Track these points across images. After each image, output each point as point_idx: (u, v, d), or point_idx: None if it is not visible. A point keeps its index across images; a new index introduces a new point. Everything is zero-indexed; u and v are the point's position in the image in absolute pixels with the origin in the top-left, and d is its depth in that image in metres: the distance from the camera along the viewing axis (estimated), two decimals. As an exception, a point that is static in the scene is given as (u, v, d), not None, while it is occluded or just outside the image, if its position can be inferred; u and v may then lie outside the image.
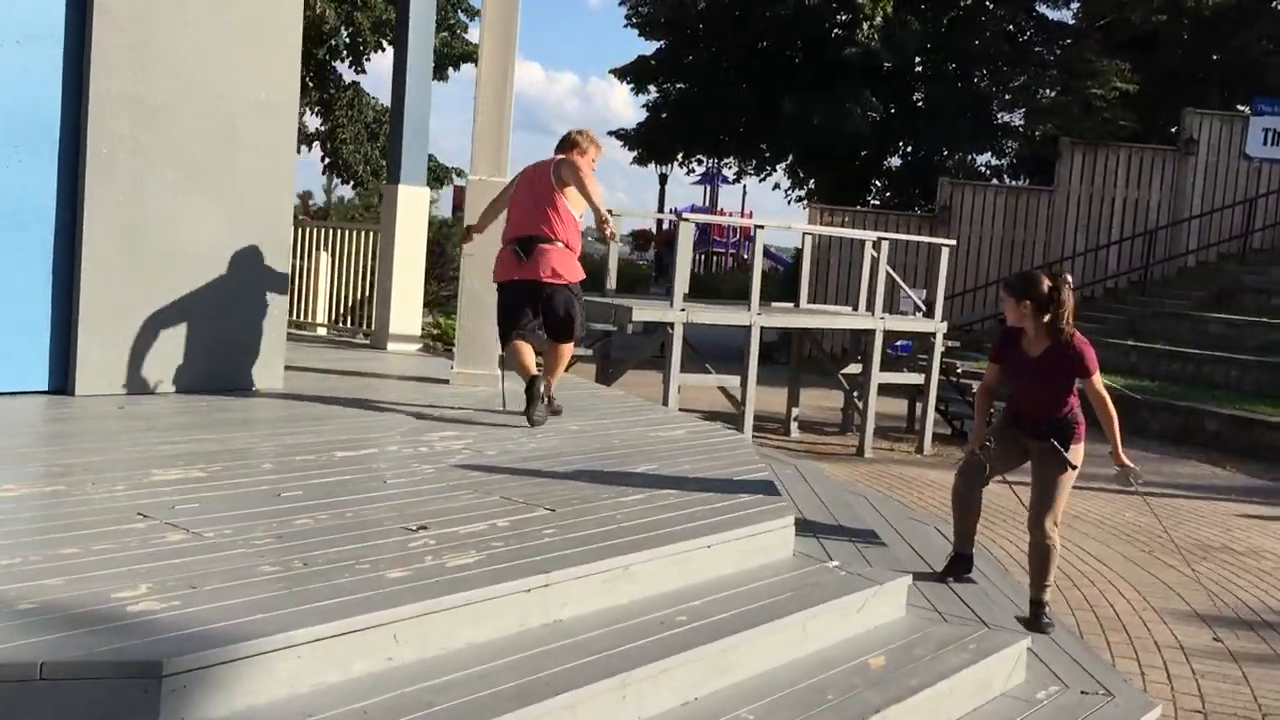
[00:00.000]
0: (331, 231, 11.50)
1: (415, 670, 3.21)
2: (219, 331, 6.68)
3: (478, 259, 7.86)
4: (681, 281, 10.12)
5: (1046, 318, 5.13)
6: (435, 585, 3.47)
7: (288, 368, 8.01)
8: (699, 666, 3.65)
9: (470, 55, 22.25)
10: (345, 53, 21.25)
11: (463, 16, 23.24)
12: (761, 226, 11.01)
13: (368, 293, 10.63)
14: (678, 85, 24.64)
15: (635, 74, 24.71)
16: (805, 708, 3.64)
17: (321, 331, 11.30)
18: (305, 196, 35.90)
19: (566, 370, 7.29)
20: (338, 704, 2.95)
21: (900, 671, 4.04)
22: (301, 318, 11.18)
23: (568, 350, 6.74)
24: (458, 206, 25.47)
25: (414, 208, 9.94)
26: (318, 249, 11.45)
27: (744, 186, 57.01)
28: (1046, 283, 5.13)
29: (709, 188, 43.82)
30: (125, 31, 6.19)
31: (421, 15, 9.81)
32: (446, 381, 7.87)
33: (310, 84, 20.85)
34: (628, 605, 3.92)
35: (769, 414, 13.17)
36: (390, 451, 5.43)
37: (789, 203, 28.02)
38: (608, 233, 6.48)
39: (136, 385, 6.33)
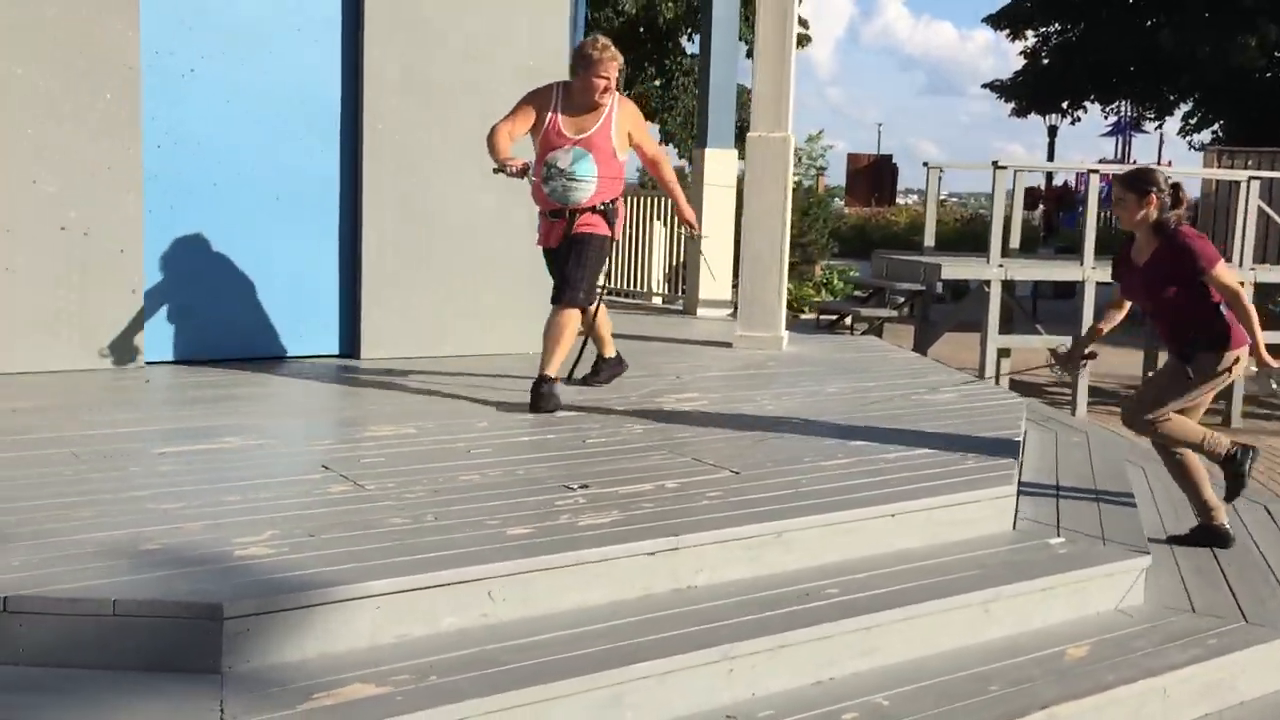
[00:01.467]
0: (660, 200, 11.65)
1: (508, 628, 3.14)
2: (490, 298, 6.92)
3: (760, 216, 7.68)
4: (1089, 240, 9.20)
5: (1158, 217, 4.39)
6: (547, 544, 3.38)
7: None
8: (835, 644, 3.32)
9: (800, 40, 21.77)
10: (684, 24, 21.34)
11: None
12: (1094, 171, 9.96)
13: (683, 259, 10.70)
14: (1055, 27, 22.84)
15: (1010, 19, 23.19)
16: (955, 698, 3.22)
17: (657, 300, 11.48)
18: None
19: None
20: (408, 657, 2.93)
21: (1100, 665, 3.48)
22: (635, 286, 11.42)
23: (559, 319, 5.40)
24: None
25: (721, 170, 9.84)
26: (653, 219, 11.64)
27: (1160, 135, 51.91)
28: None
29: (1121, 139, 40.56)
30: (397, 13, 6.53)
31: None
32: (729, 345, 7.74)
33: (649, 55, 21.20)
34: (776, 575, 3.64)
35: (1125, 377, 11.93)
36: (615, 412, 5.39)
37: (1190, 148, 25.31)
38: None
39: (413, 349, 6.69)
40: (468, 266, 6.83)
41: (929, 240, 10.78)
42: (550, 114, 5.45)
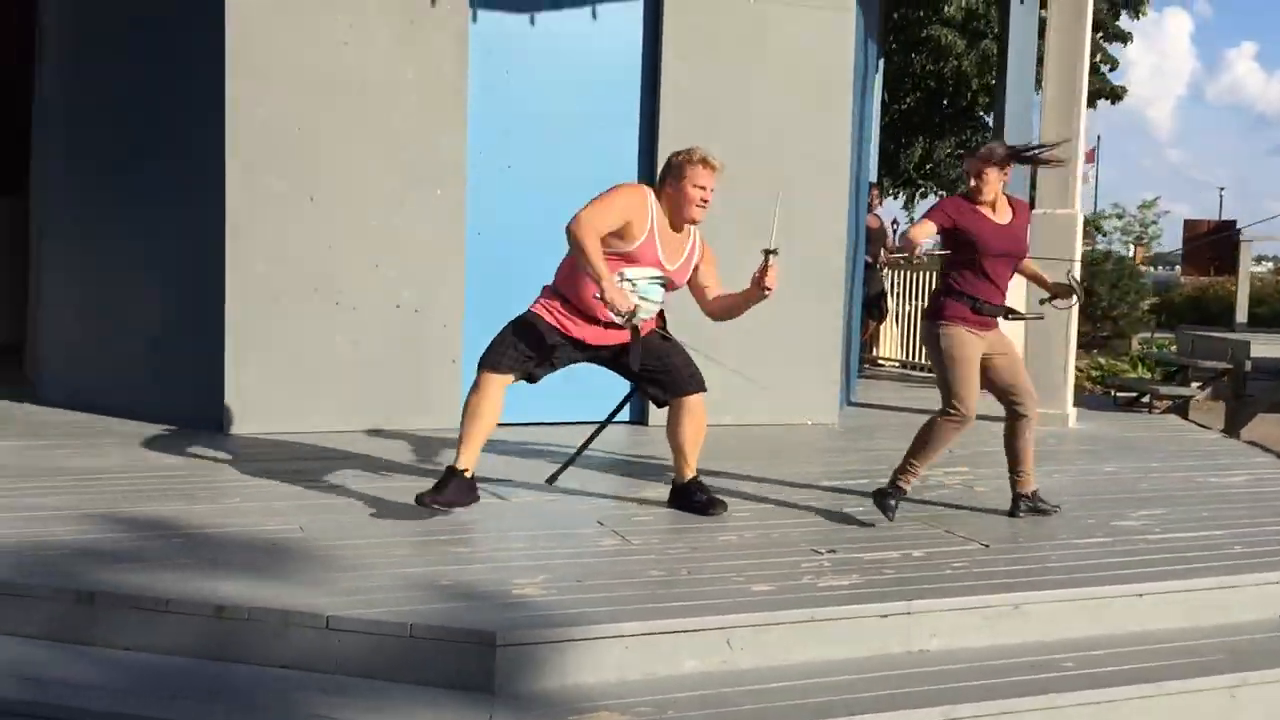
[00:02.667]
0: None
1: (744, 675, 3.45)
2: (775, 369, 7.28)
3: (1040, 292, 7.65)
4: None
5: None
6: (785, 600, 3.67)
7: (863, 404, 8.46)
8: (1063, 716, 3.41)
9: (1114, 93, 20.95)
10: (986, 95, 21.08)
11: (1115, 49, 21.79)
12: None
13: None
14: None
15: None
16: (1184, 779, 3.24)
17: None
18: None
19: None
20: (651, 693, 3.30)
21: (1355, 763, 3.38)
22: (920, 359, 11.46)
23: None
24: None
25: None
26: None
27: None
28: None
29: None
30: (691, 111, 7.08)
31: (1021, 42, 9.67)
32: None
33: (950, 128, 21.00)
34: (1011, 645, 3.76)
35: None
36: (880, 482, 5.58)
37: None
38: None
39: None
40: (766, 340, 7.20)
41: (1240, 316, 10.24)
42: (648, 230, 4.70)
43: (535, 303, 4.88)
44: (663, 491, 5.25)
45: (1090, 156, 40.71)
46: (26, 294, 8.66)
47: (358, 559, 3.98)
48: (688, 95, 7.06)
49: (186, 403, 6.48)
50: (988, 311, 4.80)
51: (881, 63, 11.52)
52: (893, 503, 4.79)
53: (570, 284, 4.79)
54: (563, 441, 6.43)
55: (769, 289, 4.88)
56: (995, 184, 4.76)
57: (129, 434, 6.11)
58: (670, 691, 3.32)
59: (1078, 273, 6.12)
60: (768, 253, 4.90)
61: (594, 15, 6.99)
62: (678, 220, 4.79)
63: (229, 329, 6.27)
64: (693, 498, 4.86)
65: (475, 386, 4.64)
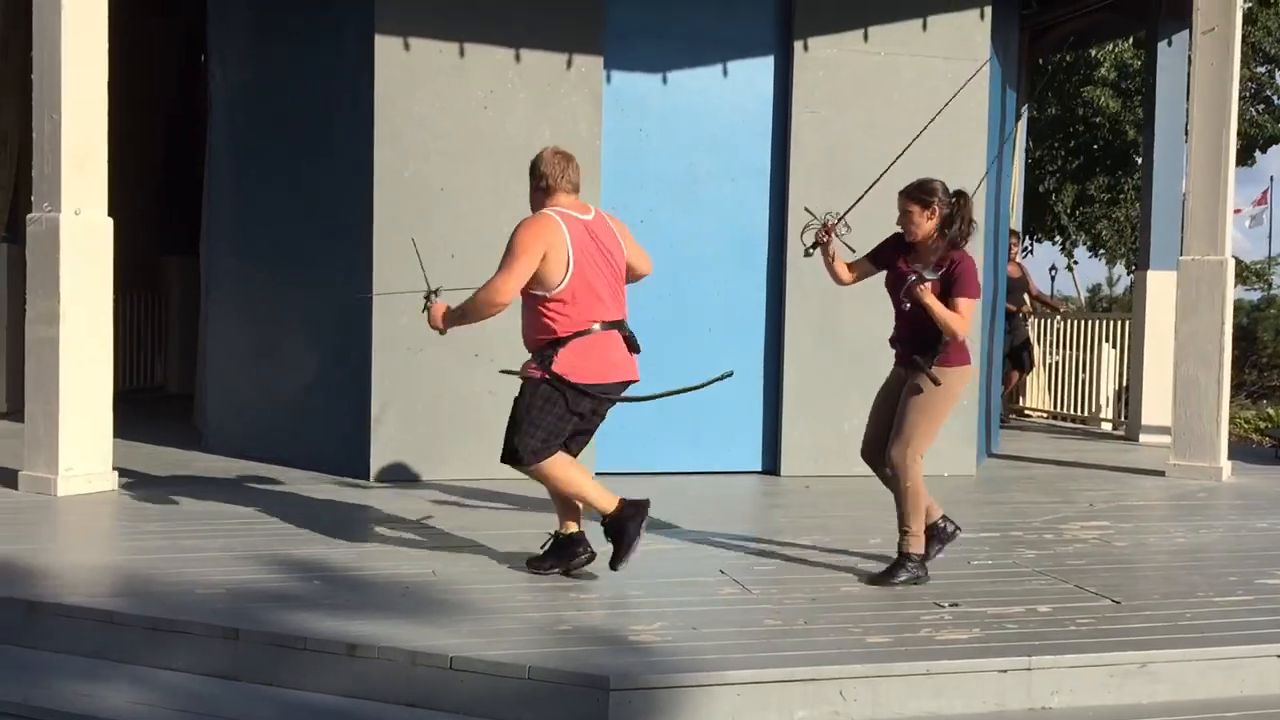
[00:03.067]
0: (1113, 323, 11.32)
1: (857, 727, 3.46)
2: (909, 420, 7.22)
3: (1194, 339, 7.42)
4: None
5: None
6: (900, 652, 3.66)
7: (1004, 455, 8.30)
8: (1190, 780, 3.31)
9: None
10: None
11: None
12: None
13: (1124, 383, 10.35)
14: None
15: None
16: None
17: (1106, 425, 11.11)
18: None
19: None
20: (761, 740, 3.33)
21: None
22: (1080, 410, 11.16)
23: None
24: None
25: (1165, 294, 9.50)
26: (1102, 340, 11.35)
27: None
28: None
29: None
30: (822, 162, 7.15)
31: (1169, 86, 9.45)
32: (1162, 474, 7.47)
33: (1098, 170, 20.41)
34: (1138, 706, 3.66)
35: None
36: (1012, 537, 5.50)
37: None
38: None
39: (828, 468, 7.12)
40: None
41: None
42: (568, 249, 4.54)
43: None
44: (789, 539, 5.28)
45: (1263, 199, 38.96)
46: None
47: (484, 603, 4.12)
48: (817, 147, 7.14)
49: (334, 451, 6.80)
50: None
51: (1025, 110, 11.36)
52: (919, 573, 4.55)
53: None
54: (684, 490, 6.52)
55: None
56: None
57: (280, 480, 6.44)
58: (778, 741, 3.35)
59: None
60: None
61: (725, 72, 7.15)
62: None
63: (375, 381, 6.57)
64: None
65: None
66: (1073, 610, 4.19)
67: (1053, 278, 37.03)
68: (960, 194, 4.70)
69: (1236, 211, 39.33)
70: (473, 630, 3.79)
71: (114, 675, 3.73)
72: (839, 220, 4.85)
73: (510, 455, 4.48)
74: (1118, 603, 4.31)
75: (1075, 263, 24.47)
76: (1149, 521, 6.00)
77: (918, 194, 4.71)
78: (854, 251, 4.90)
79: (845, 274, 4.97)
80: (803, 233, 4.93)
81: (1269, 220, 40.28)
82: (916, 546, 4.56)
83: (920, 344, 4.63)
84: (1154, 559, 5.13)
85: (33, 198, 6.03)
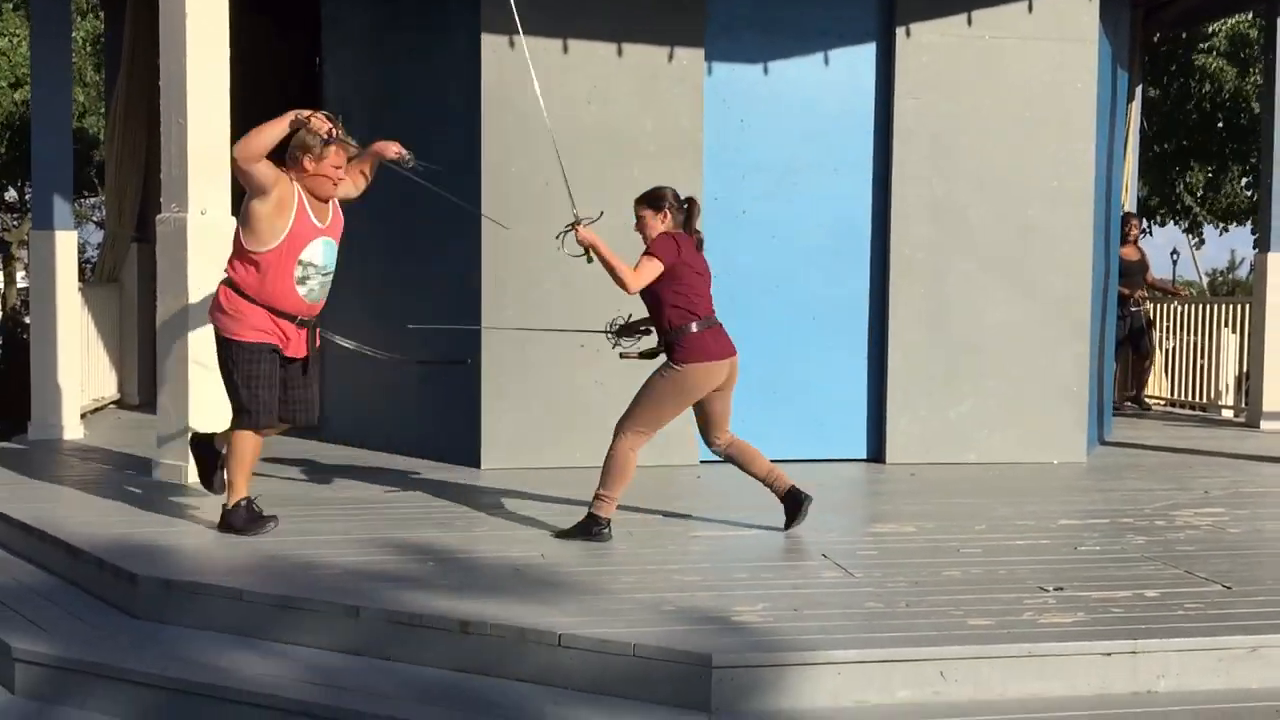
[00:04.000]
0: (1235, 307, 11.01)
1: (958, 707, 3.49)
2: (1018, 407, 7.16)
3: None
4: None
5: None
6: (1001, 634, 3.68)
7: (1118, 443, 8.17)
8: (1301, 764, 3.27)
9: None
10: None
11: None
12: None
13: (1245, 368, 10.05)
14: None
15: None
16: None
17: (1227, 413, 10.80)
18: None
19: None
20: (863, 718, 3.39)
21: None
22: (1200, 397, 10.87)
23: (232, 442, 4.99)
24: None
25: (1286, 276, 9.21)
26: (1222, 325, 11.05)
27: None
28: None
29: None
30: (925, 149, 7.13)
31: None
32: (1277, 460, 7.28)
33: (1229, 154, 19.70)
34: (1248, 690, 3.62)
35: None
36: (1121, 524, 5.44)
37: None
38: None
39: (936, 455, 7.10)
40: (990, 379, 7.15)
41: None
42: (297, 200, 4.94)
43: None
44: (893, 526, 5.31)
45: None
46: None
47: (592, 584, 4.24)
48: (921, 134, 7.11)
49: (446, 438, 7.01)
50: None
51: (1139, 90, 11.10)
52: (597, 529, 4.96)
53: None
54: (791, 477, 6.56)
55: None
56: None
57: (394, 467, 6.67)
58: (880, 717, 3.40)
59: None
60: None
61: (826, 61, 7.15)
62: (322, 195, 5.02)
63: (485, 370, 6.76)
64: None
65: None
66: (1181, 595, 4.15)
67: (1174, 261, 35.92)
68: (689, 199, 5.22)
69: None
70: (580, 609, 3.92)
71: (245, 649, 3.94)
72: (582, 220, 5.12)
73: None
74: (1229, 588, 4.25)
75: (1202, 242, 23.56)
76: (1266, 508, 5.86)
77: (648, 200, 5.16)
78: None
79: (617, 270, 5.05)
80: (559, 237, 5.20)
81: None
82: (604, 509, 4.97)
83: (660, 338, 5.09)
84: (1269, 546, 5.02)
85: (161, 199, 6.34)
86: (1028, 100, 7.20)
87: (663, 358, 5.10)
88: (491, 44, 6.70)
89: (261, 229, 4.89)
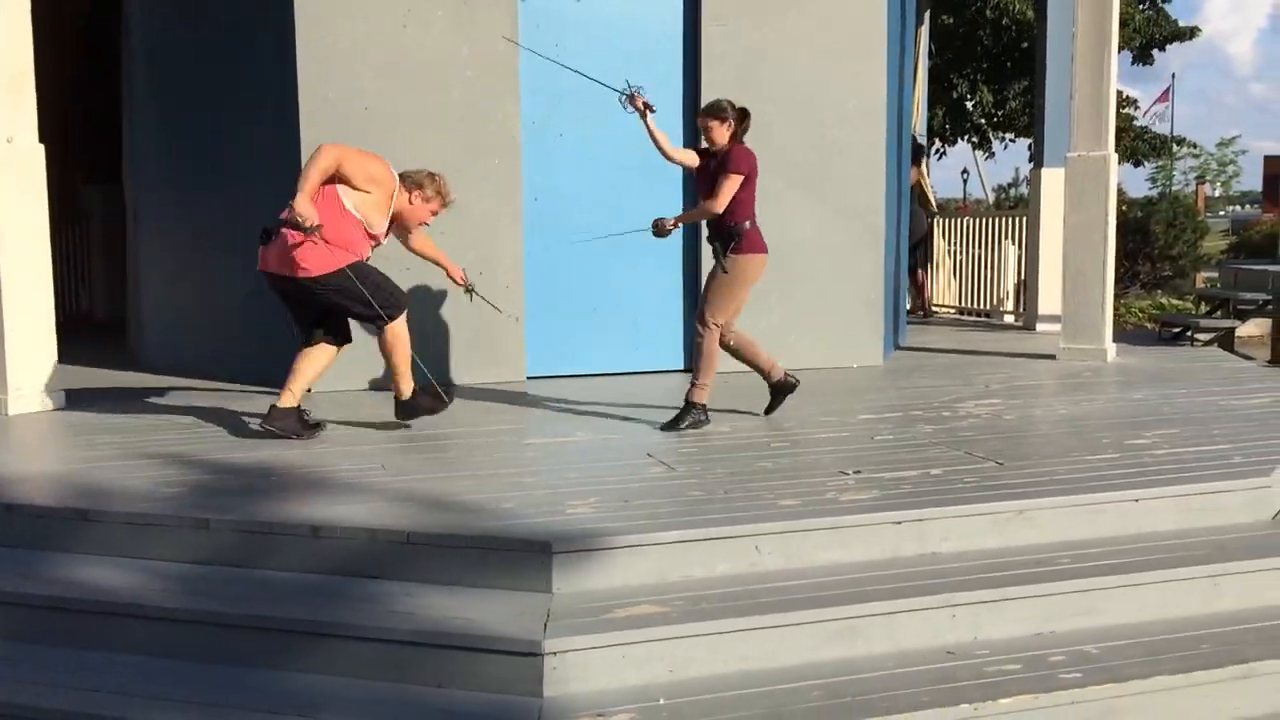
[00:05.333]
0: (1015, 220, 11.87)
1: (771, 575, 3.93)
2: (822, 316, 7.69)
3: (1081, 231, 7.96)
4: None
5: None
6: (807, 510, 4.13)
7: (911, 348, 8.83)
8: (1056, 603, 3.84)
9: (1180, 34, 20.76)
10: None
11: None
12: None
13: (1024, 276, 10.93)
14: None
15: None
16: (1161, 652, 3.65)
17: (1009, 318, 11.72)
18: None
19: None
20: (687, 590, 3.79)
21: (1324, 638, 3.75)
22: (985, 304, 11.75)
23: (388, 342, 5.55)
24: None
25: (1060, 191, 10.02)
26: (1005, 237, 11.91)
27: None
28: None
29: None
30: (732, 72, 7.48)
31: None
32: (1054, 358, 8.04)
33: (1012, 73, 20.96)
34: (1016, 547, 4.18)
35: None
36: (912, 415, 6.01)
37: None
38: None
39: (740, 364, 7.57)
40: (797, 289, 7.64)
41: (1286, 248, 10.36)
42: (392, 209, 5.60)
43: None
44: (712, 427, 5.73)
45: (1165, 97, 39.94)
46: (125, 276, 9.35)
47: (435, 489, 4.50)
48: (726, 57, 7.46)
49: (269, 364, 7.06)
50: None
51: (927, 16, 11.75)
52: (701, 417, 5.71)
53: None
54: (617, 388, 6.93)
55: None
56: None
57: (224, 394, 6.72)
58: (704, 589, 3.81)
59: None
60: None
61: (636, -13, 7.41)
62: (412, 223, 5.74)
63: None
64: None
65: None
66: (961, 472, 4.70)
67: (965, 180, 37.74)
68: (743, 110, 5.79)
69: (1145, 114, 39.83)
70: (425, 509, 4.19)
71: (103, 565, 4.06)
72: (636, 90, 5.88)
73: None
74: (1001, 464, 4.82)
75: (991, 155, 24.93)
76: (1037, 398, 6.55)
77: (714, 112, 5.74)
78: (654, 111, 5.90)
79: (666, 143, 5.87)
80: (621, 100, 5.92)
81: (1171, 118, 41.24)
82: (700, 396, 5.67)
83: (717, 234, 5.73)
84: (1037, 428, 5.68)
85: (-36, 128, 6.16)
86: (824, 25, 7.63)
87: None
88: (304, -33, 6.69)
89: (367, 209, 5.43)
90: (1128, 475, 4.59)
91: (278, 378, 6.99)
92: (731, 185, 5.60)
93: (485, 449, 5.29)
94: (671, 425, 5.63)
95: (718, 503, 4.29)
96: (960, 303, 12.21)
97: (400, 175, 5.59)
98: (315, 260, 5.31)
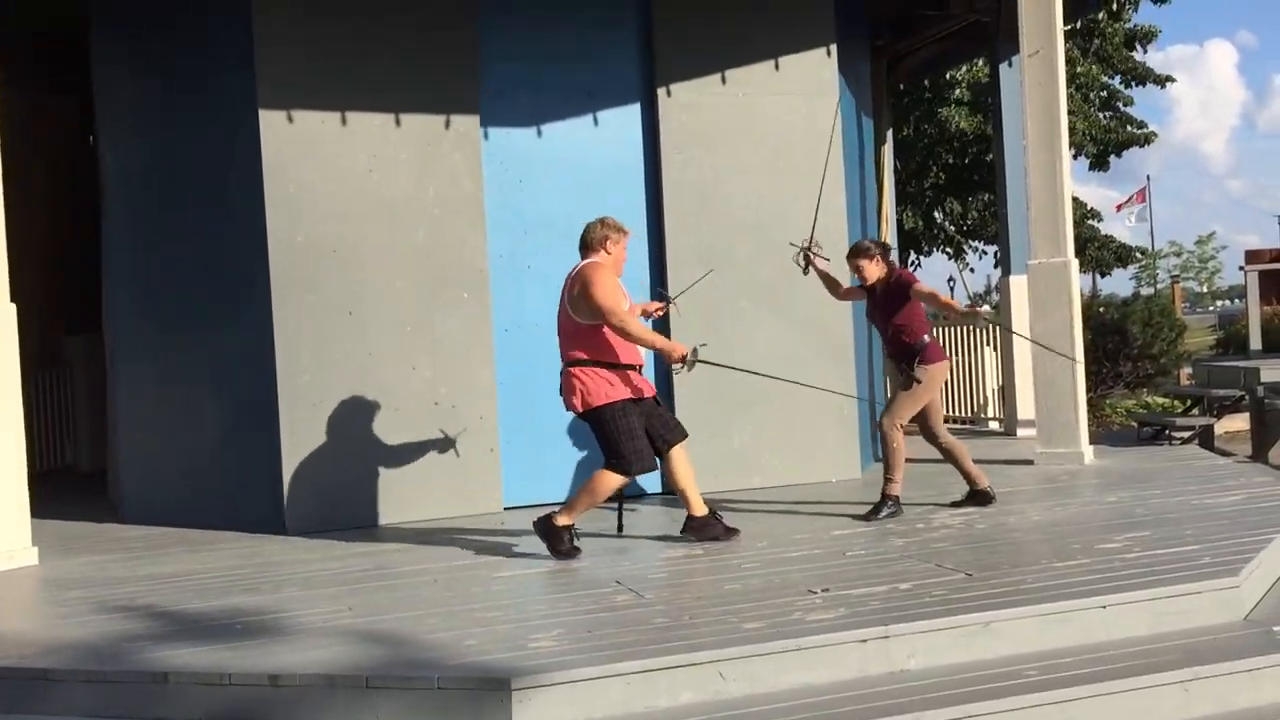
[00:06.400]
0: (992, 329, 11.97)
1: (736, 702, 3.88)
2: (795, 431, 7.72)
3: (1049, 337, 8.02)
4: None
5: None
6: (771, 633, 4.09)
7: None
8: (1027, 716, 3.78)
9: (1135, 139, 21.33)
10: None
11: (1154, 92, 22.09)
12: None
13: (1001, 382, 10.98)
14: None
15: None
16: (1135, 765, 3.58)
17: (994, 425, 11.72)
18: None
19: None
20: (651, 721, 3.74)
21: (1299, 741, 3.69)
22: (967, 411, 11.78)
23: (596, 480, 5.67)
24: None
25: (1026, 298, 10.14)
26: (983, 345, 11.99)
27: None
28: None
29: None
30: (693, 199, 7.65)
31: (1012, 104, 10.10)
32: (1031, 463, 8.04)
33: (976, 187, 21.40)
34: (984, 660, 4.14)
35: None
36: (886, 529, 5.99)
37: None
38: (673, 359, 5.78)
39: (721, 482, 7.55)
40: (786, 405, 7.65)
41: (1254, 343, 10.48)
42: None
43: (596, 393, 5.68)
44: (682, 551, 5.70)
45: (1141, 197, 40.66)
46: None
47: (399, 630, 4.47)
48: (688, 186, 7.64)
49: (250, 508, 7.08)
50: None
51: (890, 134, 12.03)
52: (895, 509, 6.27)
53: (608, 349, 5.75)
54: (587, 518, 6.91)
55: None
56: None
57: (198, 541, 6.69)
58: (669, 720, 3.76)
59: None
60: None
61: (595, 122, 7.62)
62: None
63: (284, 436, 6.87)
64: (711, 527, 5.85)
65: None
66: (930, 585, 4.67)
67: (951, 288, 38.15)
68: (883, 243, 6.77)
69: (1118, 209, 40.42)
70: (386, 653, 4.15)
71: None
72: (810, 242, 6.68)
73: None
74: (970, 575, 4.80)
75: (971, 268, 25.32)
76: (1011, 504, 6.52)
77: (859, 253, 6.49)
78: (829, 260, 6.76)
79: (837, 287, 6.78)
80: (795, 259, 6.70)
81: (1150, 218, 41.85)
82: (894, 490, 6.31)
83: (900, 351, 6.37)
84: (1009, 536, 5.65)
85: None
86: (781, 149, 7.83)
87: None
88: (269, 120, 6.88)
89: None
90: (1096, 581, 4.57)
91: (256, 522, 7.03)
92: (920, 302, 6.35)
93: (455, 584, 5.26)
94: (869, 516, 6.24)
95: (683, 628, 4.26)
96: (945, 409, 12.23)
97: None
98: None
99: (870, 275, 6.39)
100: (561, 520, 5.67)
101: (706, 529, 5.87)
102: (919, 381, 6.21)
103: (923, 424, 6.47)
